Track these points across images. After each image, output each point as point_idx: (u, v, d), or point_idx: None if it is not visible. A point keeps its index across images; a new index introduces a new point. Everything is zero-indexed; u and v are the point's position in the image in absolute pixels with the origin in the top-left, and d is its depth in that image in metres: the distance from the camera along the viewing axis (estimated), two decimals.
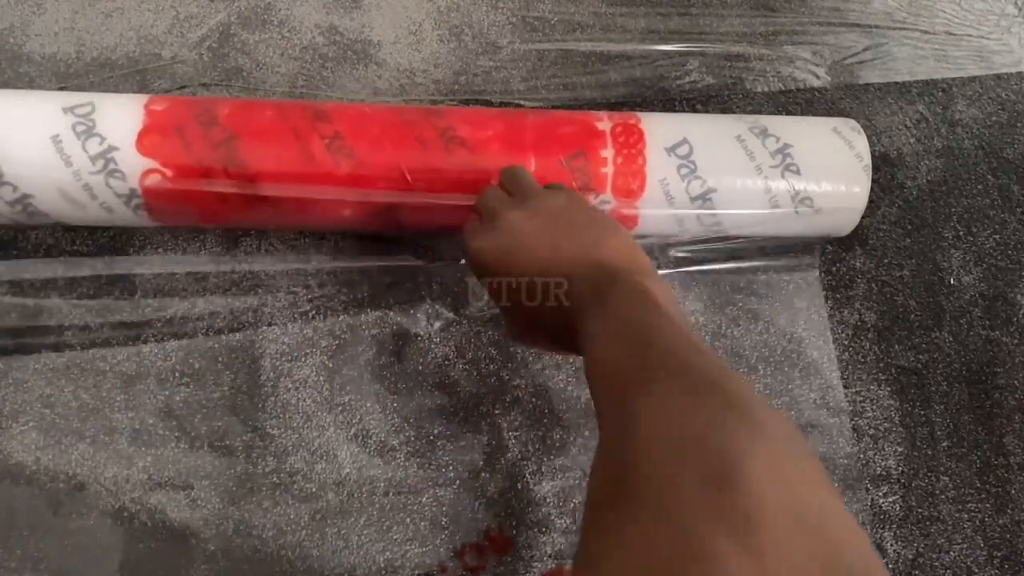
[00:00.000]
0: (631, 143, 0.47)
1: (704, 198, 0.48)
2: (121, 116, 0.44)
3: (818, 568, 0.21)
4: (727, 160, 0.48)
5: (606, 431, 0.28)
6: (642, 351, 0.29)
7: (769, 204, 0.48)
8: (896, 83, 0.60)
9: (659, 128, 0.48)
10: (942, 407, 0.54)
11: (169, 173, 0.44)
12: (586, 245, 0.38)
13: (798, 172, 0.48)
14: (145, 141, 0.44)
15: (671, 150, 0.47)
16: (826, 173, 0.49)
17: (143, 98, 0.46)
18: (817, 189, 0.48)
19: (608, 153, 0.47)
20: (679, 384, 0.27)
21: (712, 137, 0.48)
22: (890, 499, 0.52)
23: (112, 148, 0.43)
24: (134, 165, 0.44)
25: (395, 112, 0.47)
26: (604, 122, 0.48)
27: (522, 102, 0.56)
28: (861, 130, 0.50)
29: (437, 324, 0.51)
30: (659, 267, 0.54)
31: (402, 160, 0.45)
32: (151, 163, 0.44)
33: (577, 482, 0.49)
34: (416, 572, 0.47)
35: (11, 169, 0.43)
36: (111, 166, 0.43)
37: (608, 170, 0.47)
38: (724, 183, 0.48)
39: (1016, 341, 0.55)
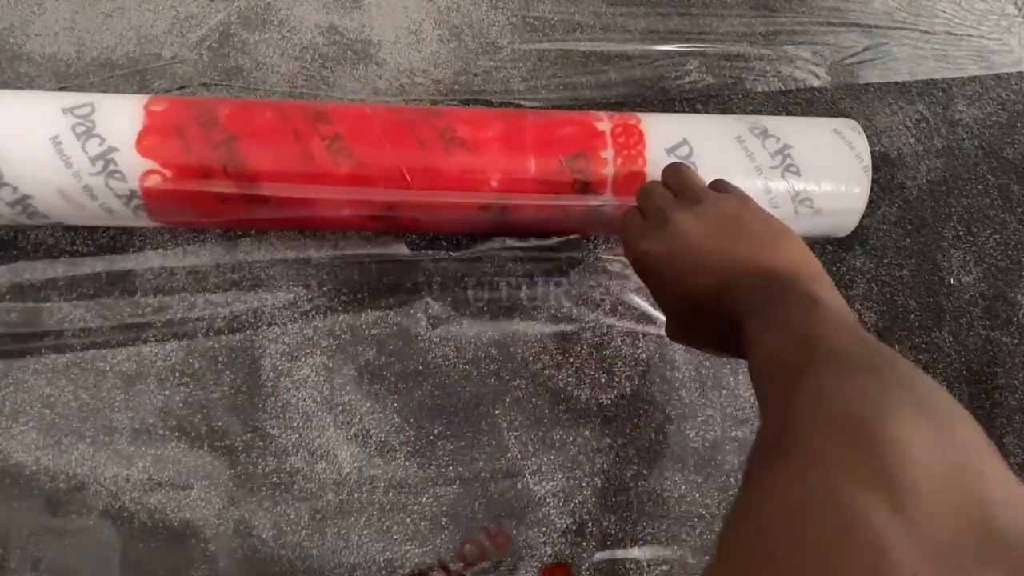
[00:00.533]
0: (631, 144, 0.47)
1: None
2: (121, 117, 0.44)
3: (970, 525, 0.20)
4: (727, 161, 0.48)
5: (768, 415, 0.29)
6: (807, 345, 0.30)
7: (769, 204, 0.48)
8: (896, 83, 0.60)
9: (659, 129, 0.48)
10: None
11: (169, 174, 0.44)
12: (758, 251, 0.37)
13: (798, 173, 0.48)
14: (145, 142, 0.44)
15: (671, 151, 0.47)
16: (826, 174, 0.49)
17: (143, 99, 0.46)
18: (817, 190, 0.48)
19: (608, 154, 0.47)
20: (837, 366, 0.28)
21: (712, 138, 0.48)
22: None
23: (112, 149, 0.43)
24: (134, 166, 0.44)
25: (395, 112, 0.47)
26: (604, 122, 0.48)
27: (522, 102, 0.56)
28: (861, 131, 0.50)
29: (437, 324, 0.51)
30: None
31: (402, 161, 0.45)
32: (151, 164, 0.44)
33: (577, 482, 0.49)
34: (416, 570, 0.47)
35: (11, 170, 0.43)
36: (111, 167, 0.43)
37: (608, 171, 0.47)
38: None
39: (1016, 341, 0.55)
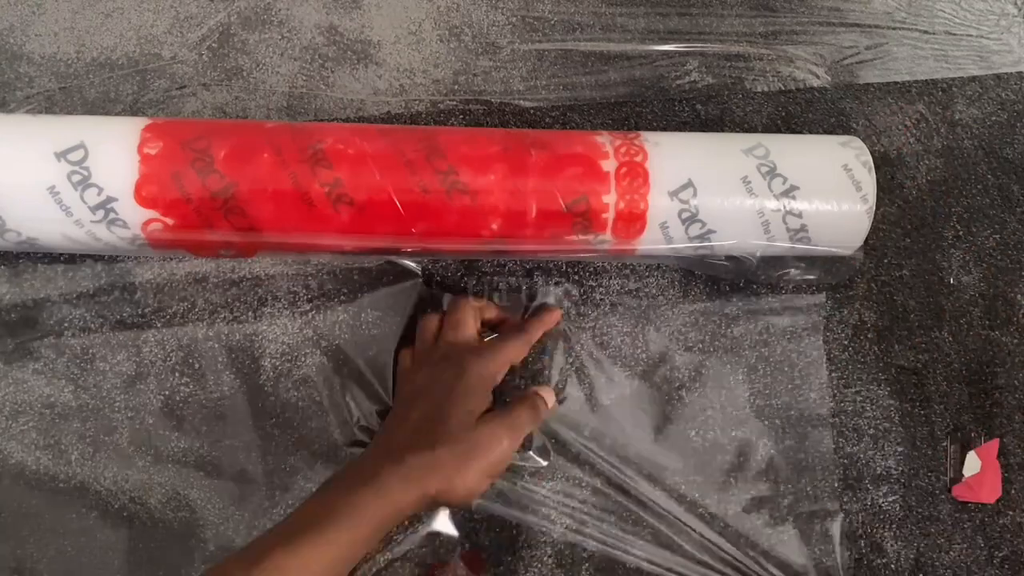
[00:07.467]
0: (635, 188, 0.46)
1: (703, 238, 0.47)
2: (115, 163, 0.43)
3: None
4: (730, 206, 0.47)
5: None
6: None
7: (766, 241, 0.48)
8: (896, 83, 0.60)
9: (664, 167, 0.47)
10: (942, 407, 0.54)
11: (171, 222, 0.44)
12: (426, 442, 0.42)
13: (800, 216, 0.47)
14: (143, 192, 0.43)
15: (674, 194, 0.46)
16: (828, 216, 0.48)
17: (135, 137, 0.44)
18: (815, 228, 0.48)
19: (611, 199, 0.46)
20: None
21: (717, 178, 0.47)
22: (890, 499, 0.52)
23: (111, 199, 0.43)
24: (135, 215, 0.43)
25: (395, 151, 0.46)
26: (610, 160, 0.47)
27: (522, 102, 0.56)
28: (872, 167, 0.48)
29: None
30: (658, 266, 0.54)
31: (403, 209, 0.45)
32: (152, 213, 0.43)
33: (577, 482, 0.50)
34: (416, 571, 0.47)
35: (13, 219, 0.43)
36: (112, 215, 0.43)
37: (609, 215, 0.46)
38: (724, 226, 0.47)
39: (1016, 341, 0.55)
